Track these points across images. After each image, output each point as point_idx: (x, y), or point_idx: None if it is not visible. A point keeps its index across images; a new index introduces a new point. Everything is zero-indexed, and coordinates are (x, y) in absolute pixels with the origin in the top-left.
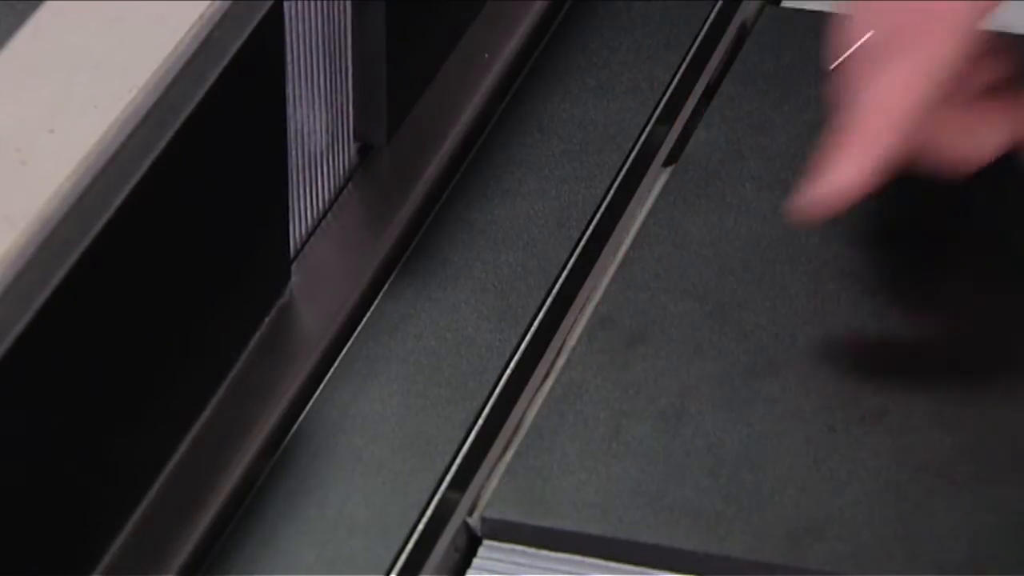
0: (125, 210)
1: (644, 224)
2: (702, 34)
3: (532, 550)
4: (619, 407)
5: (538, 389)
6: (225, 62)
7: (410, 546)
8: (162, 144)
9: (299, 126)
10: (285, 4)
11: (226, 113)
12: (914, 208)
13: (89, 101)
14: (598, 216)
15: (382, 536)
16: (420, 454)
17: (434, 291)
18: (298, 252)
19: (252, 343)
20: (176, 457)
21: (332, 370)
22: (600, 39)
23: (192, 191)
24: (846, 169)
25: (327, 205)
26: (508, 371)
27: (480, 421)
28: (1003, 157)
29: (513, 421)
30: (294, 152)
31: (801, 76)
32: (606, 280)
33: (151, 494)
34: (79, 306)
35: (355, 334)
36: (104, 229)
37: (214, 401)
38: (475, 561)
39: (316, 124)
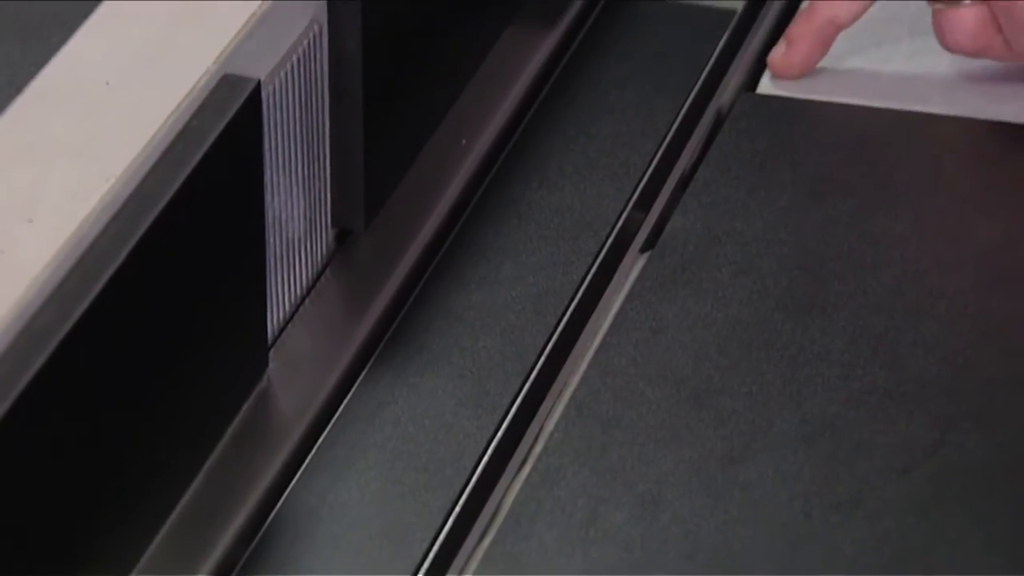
0: (103, 298)
1: (621, 310)
2: (678, 121)
3: None
4: (596, 493)
5: (515, 475)
6: (203, 150)
7: None
8: (140, 232)
9: (277, 213)
10: (263, 92)
11: (204, 201)
12: (889, 292)
13: (67, 190)
14: (575, 302)
15: None
16: (398, 541)
17: (412, 377)
18: (276, 338)
19: (230, 429)
20: (153, 544)
21: (310, 457)
22: (577, 125)
23: (170, 278)
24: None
25: (305, 291)
26: (486, 457)
27: (458, 508)
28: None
29: (491, 508)
30: (272, 238)
31: (777, 162)
32: (583, 366)
33: None
34: (57, 394)
35: (333, 420)
36: (82, 318)
37: (192, 488)
38: None
39: (294, 210)
